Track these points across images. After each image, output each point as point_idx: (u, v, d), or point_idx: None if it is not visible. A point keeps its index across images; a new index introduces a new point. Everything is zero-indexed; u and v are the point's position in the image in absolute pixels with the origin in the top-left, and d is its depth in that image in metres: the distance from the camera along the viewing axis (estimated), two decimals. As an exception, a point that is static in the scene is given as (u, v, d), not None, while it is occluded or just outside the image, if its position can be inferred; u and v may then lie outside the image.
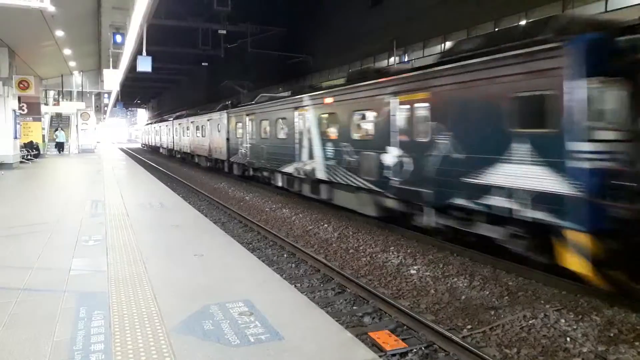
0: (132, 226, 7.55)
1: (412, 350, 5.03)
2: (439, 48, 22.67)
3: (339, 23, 31.09)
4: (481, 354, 4.72)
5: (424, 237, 9.39)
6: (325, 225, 11.12)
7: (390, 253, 8.70)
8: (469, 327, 5.63)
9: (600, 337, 5.25)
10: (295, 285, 6.62)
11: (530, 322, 5.66)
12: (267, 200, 14.93)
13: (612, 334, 5.30)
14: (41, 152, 25.41)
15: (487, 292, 6.71)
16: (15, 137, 18.63)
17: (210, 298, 4.33)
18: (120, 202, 10.15)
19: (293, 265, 8.24)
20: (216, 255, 5.94)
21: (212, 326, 3.74)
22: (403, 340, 5.21)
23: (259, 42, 34.61)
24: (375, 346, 5.01)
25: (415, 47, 24.51)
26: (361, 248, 9.16)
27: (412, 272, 7.71)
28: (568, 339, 5.24)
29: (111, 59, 20.54)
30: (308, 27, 35.15)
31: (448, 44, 21.92)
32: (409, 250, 8.77)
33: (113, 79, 20.60)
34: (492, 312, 6.02)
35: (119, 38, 16.24)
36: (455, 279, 7.25)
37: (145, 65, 16.10)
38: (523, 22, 18.03)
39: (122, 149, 51.05)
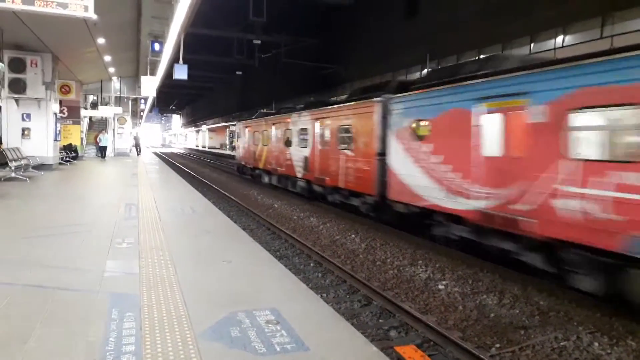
0: (164, 230, 7.72)
1: (438, 366, 4.96)
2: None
3: (373, 34, 31.18)
4: (509, 374, 4.62)
5: (453, 252, 9.28)
6: (353, 235, 11.10)
7: (419, 267, 8.62)
8: (498, 345, 5.52)
9: (636, 363, 5.07)
10: (321, 296, 6.64)
11: (561, 343, 5.51)
12: (295, 209, 15.01)
13: (648, 361, 5.11)
14: (79, 155, 26.25)
15: (517, 311, 6.56)
16: (56, 140, 19.31)
17: (238, 305, 4.38)
18: (153, 205, 10.38)
19: (319, 275, 8.25)
20: (245, 262, 6.01)
21: (240, 333, 3.78)
22: (429, 356, 5.14)
23: (293, 52, 35.02)
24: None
25: (449, 60, 24.34)
26: (388, 260, 9.10)
27: (441, 287, 7.61)
28: (601, 363, 5.08)
29: (149, 66, 21.16)
30: (341, 38, 35.36)
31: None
32: (437, 265, 8.66)
33: (150, 86, 21.18)
34: (522, 332, 5.89)
35: (157, 46, 16.74)
36: (485, 296, 7.12)
37: (181, 73, 16.50)
38: (560, 38, 17.70)
39: (155, 153, 52.21)
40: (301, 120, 16.45)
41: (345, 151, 12.97)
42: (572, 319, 6.23)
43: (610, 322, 6.08)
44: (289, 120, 17.75)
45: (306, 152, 15.83)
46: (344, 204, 13.68)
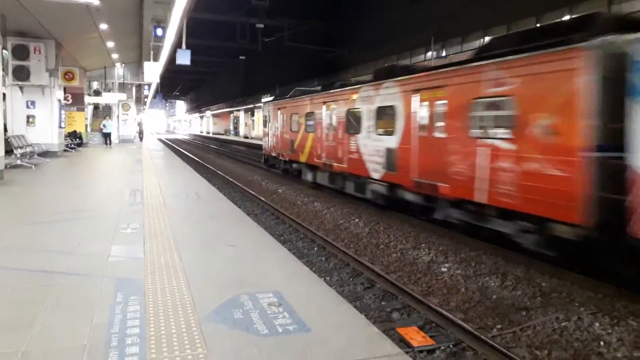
0: (169, 215, 7.78)
1: (439, 347, 5.02)
2: (477, 43, 22.22)
3: (377, 17, 30.88)
4: (510, 354, 4.67)
5: (456, 235, 9.30)
6: (356, 220, 11.14)
7: (422, 250, 8.66)
8: (499, 326, 5.58)
9: (636, 342, 5.10)
10: (324, 279, 6.71)
11: (562, 324, 5.55)
12: (300, 194, 15.05)
13: (649, 341, 5.14)
14: (84, 141, 26.34)
15: (519, 293, 6.60)
16: (60, 127, 19.37)
17: (241, 288, 4.43)
18: (157, 191, 10.45)
19: (323, 258, 8.31)
20: (248, 247, 6.06)
21: (242, 315, 3.84)
22: (431, 337, 5.20)
23: (296, 36, 34.83)
24: (402, 342, 5.02)
25: (453, 42, 24.13)
26: (392, 244, 9.15)
27: (443, 269, 7.66)
28: (602, 343, 5.12)
29: (152, 52, 21.06)
30: (345, 22, 35.06)
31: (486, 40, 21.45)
32: (440, 248, 8.70)
33: (153, 72, 21.14)
34: (524, 313, 5.93)
35: (159, 31, 16.64)
36: (487, 278, 7.16)
37: (184, 58, 16.44)
38: (567, 17, 17.47)
39: (160, 140, 52.32)
40: (381, 95, 11.31)
41: (493, 142, 7.84)
42: (573, 300, 6.26)
43: (612, 303, 6.11)
44: (354, 96, 12.64)
45: (391, 141, 10.80)
46: (473, 228, 8.80)
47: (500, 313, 5.97)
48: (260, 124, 54.09)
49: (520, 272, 7.34)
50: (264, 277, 4.83)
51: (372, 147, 11.70)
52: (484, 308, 6.16)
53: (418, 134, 9.89)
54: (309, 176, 16.27)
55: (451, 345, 5.08)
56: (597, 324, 5.50)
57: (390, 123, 10.93)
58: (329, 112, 14.25)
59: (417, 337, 5.11)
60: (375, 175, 11.58)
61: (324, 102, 14.48)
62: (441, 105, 9.20)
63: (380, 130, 11.47)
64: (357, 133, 12.43)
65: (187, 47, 16.47)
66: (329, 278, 7.22)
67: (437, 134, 9.28)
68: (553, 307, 6.06)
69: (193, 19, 18.52)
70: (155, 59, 21.54)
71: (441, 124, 9.19)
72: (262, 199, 13.72)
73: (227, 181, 18.10)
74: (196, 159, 28.13)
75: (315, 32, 36.02)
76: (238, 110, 63.40)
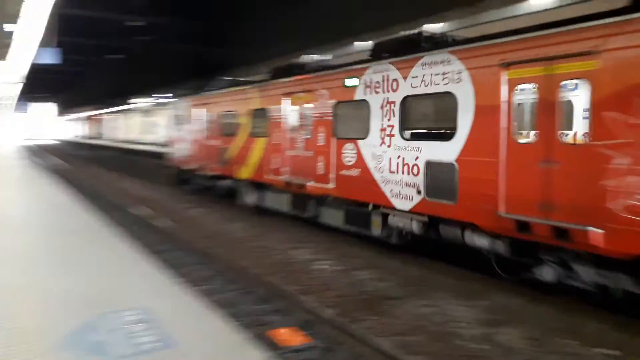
0: (21, 232, 7.07)
1: (313, 345, 5.12)
2: (360, 46, 23.07)
3: (264, 16, 30.75)
4: (378, 344, 4.95)
5: (335, 234, 9.59)
6: (238, 224, 11.04)
7: (302, 249, 8.84)
8: (372, 317, 5.88)
9: (488, 320, 5.72)
10: (200, 288, 6.51)
11: (426, 310, 6.04)
12: (179, 200, 14.53)
13: (496, 317, 5.79)
14: None
15: (391, 284, 7.03)
16: None
17: (101, 307, 4.15)
18: (8, 205, 9.43)
19: (200, 267, 8.00)
20: (112, 262, 5.67)
21: (101, 338, 3.59)
22: (305, 335, 5.30)
23: (178, 35, 33.54)
24: (274, 344, 5.04)
25: (335, 46, 24.94)
26: (273, 246, 9.20)
27: (322, 267, 7.90)
28: (459, 323, 5.66)
29: (6, 50, 18.98)
30: (231, 20, 34.46)
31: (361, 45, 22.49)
32: (320, 246, 8.96)
33: (9, 72, 19.08)
34: (393, 302, 6.35)
35: (11, 27, 15.02)
36: (363, 272, 7.52)
37: (50, 57, 15.09)
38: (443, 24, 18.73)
39: (22, 146, 47.34)
40: (415, 76, 7.47)
41: None
42: (438, 287, 6.85)
43: (470, 286, 6.82)
44: (350, 82, 8.75)
45: (442, 151, 7.01)
46: None
47: (373, 304, 6.30)
48: (137, 126, 51.61)
49: (394, 265, 7.87)
50: (130, 294, 4.56)
51: (394, 160, 7.79)
52: (359, 301, 6.45)
53: (515, 138, 6.16)
54: (250, 198, 12.29)
55: (325, 342, 5.20)
56: (455, 307, 6.11)
57: (439, 121, 7.67)
58: (297, 107, 10.22)
59: (290, 337, 5.17)
60: (402, 205, 7.66)
61: (288, 94, 10.40)
62: (579, 87, 5.98)
63: (412, 134, 7.80)
64: (360, 137, 8.47)
65: (57, 45, 15.12)
66: (206, 286, 7.00)
67: (566, 139, 5.92)
68: (420, 294, 6.57)
69: (63, 15, 16.99)
70: (5, 58, 19.43)
71: (582, 121, 5.90)
72: (134, 208, 12.92)
73: (94, 190, 16.80)
74: (62, 164, 25.89)
75: (199, 31, 34.94)
76: (112, 113, 59.77)
